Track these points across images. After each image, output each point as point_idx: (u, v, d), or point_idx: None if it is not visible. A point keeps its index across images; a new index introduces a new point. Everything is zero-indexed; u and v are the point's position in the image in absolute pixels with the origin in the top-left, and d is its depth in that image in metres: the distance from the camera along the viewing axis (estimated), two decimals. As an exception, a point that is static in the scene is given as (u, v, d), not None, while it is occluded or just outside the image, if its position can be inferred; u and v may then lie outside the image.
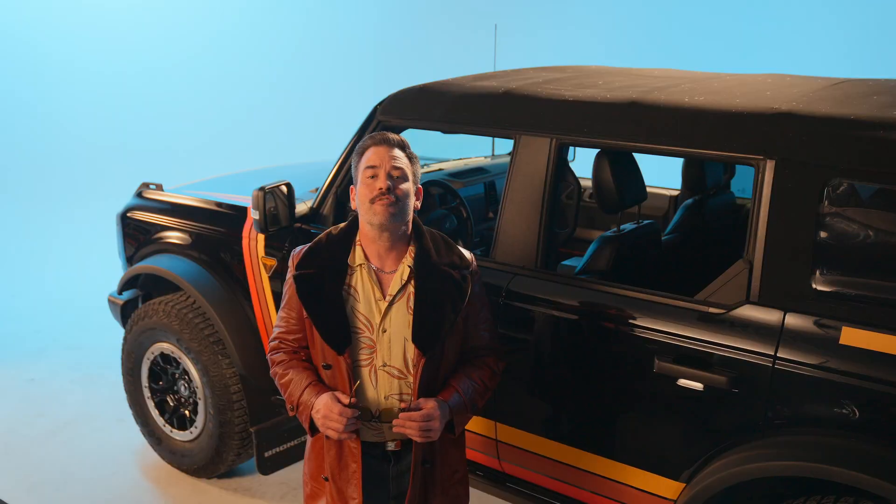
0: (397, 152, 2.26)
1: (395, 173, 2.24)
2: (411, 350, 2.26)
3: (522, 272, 2.83)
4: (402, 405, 2.24)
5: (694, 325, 2.48)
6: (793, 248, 2.34)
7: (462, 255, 2.37)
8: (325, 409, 2.20)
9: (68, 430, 4.47)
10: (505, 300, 2.82)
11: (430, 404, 2.22)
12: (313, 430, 2.32)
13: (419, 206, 2.35)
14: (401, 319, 2.27)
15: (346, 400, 2.20)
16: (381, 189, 2.21)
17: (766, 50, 9.22)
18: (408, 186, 2.26)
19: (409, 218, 2.30)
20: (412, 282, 2.27)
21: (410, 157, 2.30)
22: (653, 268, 3.19)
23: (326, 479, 2.35)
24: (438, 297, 2.27)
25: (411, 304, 2.27)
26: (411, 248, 2.31)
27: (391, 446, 2.35)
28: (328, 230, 2.38)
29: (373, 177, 2.23)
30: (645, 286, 2.67)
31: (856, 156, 2.27)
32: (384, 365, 2.28)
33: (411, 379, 2.28)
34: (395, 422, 2.22)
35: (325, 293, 2.26)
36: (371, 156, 2.25)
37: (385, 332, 2.27)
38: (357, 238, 2.33)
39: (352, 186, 2.33)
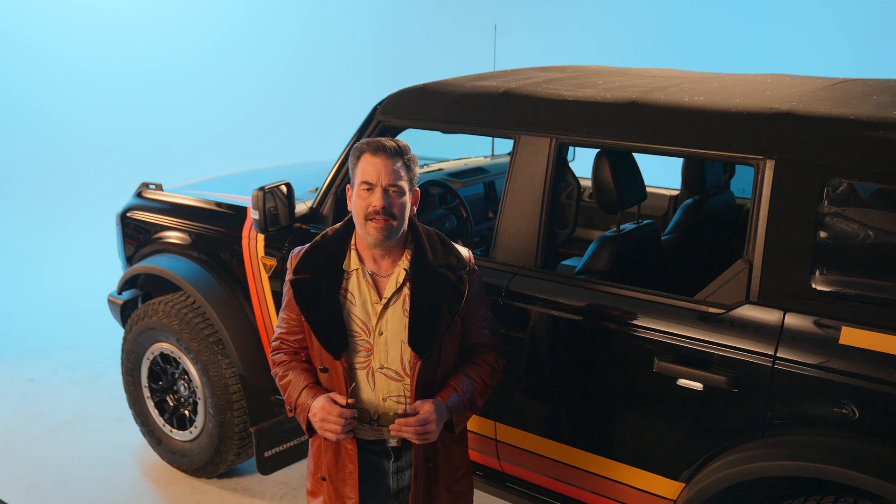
0: (395, 164, 2.20)
1: (392, 189, 2.20)
2: (408, 352, 2.26)
3: (522, 272, 2.83)
4: (400, 410, 2.24)
5: (694, 325, 2.48)
6: (793, 248, 2.34)
7: (459, 256, 2.35)
8: (323, 413, 2.20)
9: (68, 429, 4.47)
10: (505, 300, 2.82)
11: (426, 407, 2.21)
12: (310, 431, 2.33)
13: (416, 209, 2.33)
14: (397, 322, 2.26)
15: (342, 401, 2.20)
16: (375, 208, 2.18)
17: (766, 50, 9.23)
18: (404, 200, 2.22)
19: (405, 224, 2.27)
20: (408, 284, 2.27)
21: (408, 164, 2.24)
22: (652, 268, 3.19)
23: (324, 479, 2.36)
24: (435, 300, 2.26)
25: (407, 306, 2.26)
26: (408, 251, 2.30)
27: (392, 443, 2.35)
28: (325, 231, 2.37)
29: (368, 190, 2.20)
30: (645, 286, 2.67)
31: (856, 156, 2.27)
32: (381, 367, 2.27)
33: (408, 381, 2.27)
34: (391, 427, 2.22)
35: (322, 298, 2.26)
36: (367, 168, 2.20)
37: (381, 334, 2.27)
38: (353, 241, 2.32)
39: (348, 186, 2.32)
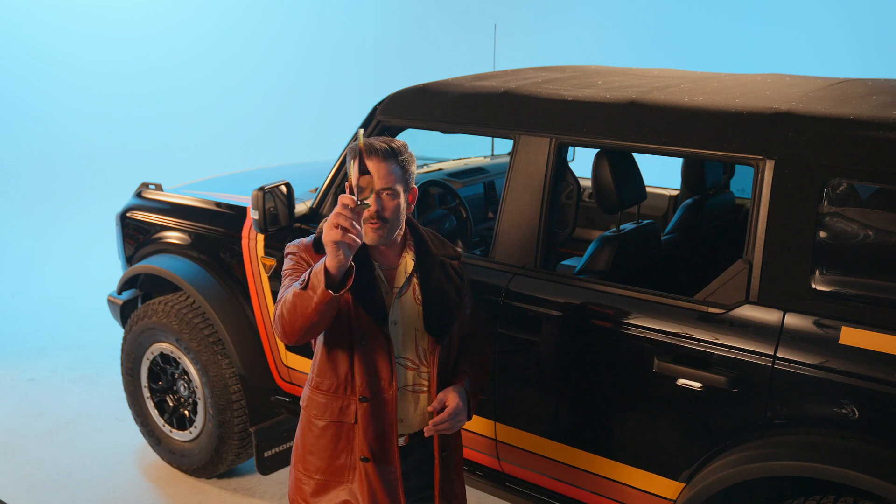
0: (389, 167, 2.18)
1: (385, 193, 2.19)
2: (423, 340, 2.29)
3: (522, 272, 2.83)
4: (430, 409, 2.29)
5: (693, 325, 2.48)
6: (792, 248, 2.34)
7: (453, 247, 2.43)
8: (330, 217, 1.99)
9: (68, 429, 4.47)
10: (504, 300, 2.82)
11: (451, 397, 2.26)
12: (332, 284, 2.01)
13: (413, 208, 2.34)
14: (410, 311, 2.29)
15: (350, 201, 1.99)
16: (369, 213, 2.18)
17: (765, 50, 9.22)
18: (398, 202, 2.21)
19: (401, 223, 2.27)
20: (416, 274, 2.30)
21: (403, 164, 2.22)
22: (652, 268, 3.19)
23: (366, 460, 2.27)
24: (443, 286, 2.30)
25: (418, 295, 2.29)
26: (410, 242, 2.33)
27: (400, 441, 2.35)
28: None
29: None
30: (644, 286, 2.67)
31: (855, 156, 2.27)
32: (398, 357, 2.29)
33: (425, 369, 2.31)
34: (426, 430, 2.27)
35: (356, 265, 2.10)
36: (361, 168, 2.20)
37: (396, 324, 2.28)
38: None
39: (347, 184, 2.31)
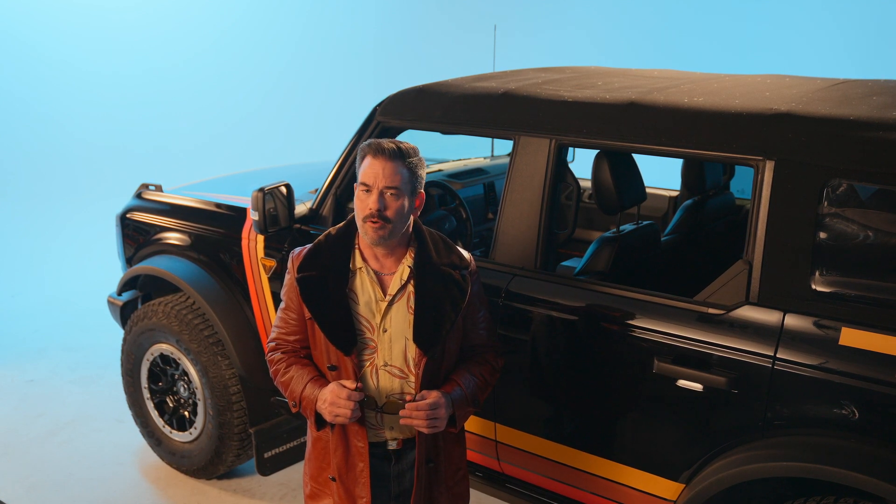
0: (395, 167, 2.20)
1: (388, 192, 2.20)
2: (412, 349, 2.27)
3: (522, 273, 2.83)
4: (408, 397, 2.25)
5: (693, 326, 2.48)
6: (792, 249, 2.34)
7: (461, 256, 2.38)
8: (332, 397, 2.20)
9: (68, 430, 4.47)
10: (504, 301, 2.82)
11: (433, 394, 2.23)
12: (319, 423, 2.31)
13: (420, 211, 2.34)
14: (401, 319, 2.28)
15: (351, 385, 2.20)
16: (371, 210, 2.19)
17: (765, 50, 9.23)
18: (401, 203, 2.22)
19: (406, 226, 2.28)
20: (412, 282, 2.28)
21: (410, 166, 2.24)
22: (652, 268, 3.19)
23: (334, 480, 2.35)
24: (438, 297, 2.27)
25: (411, 303, 2.27)
26: (411, 249, 2.31)
27: (392, 445, 2.36)
28: (327, 231, 2.37)
29: (366, 192, 2.22)
30: (644, 287, 2.67)
31: (855, 156, 2.27)
32: (385, 364, 2.29)
33: (412, 378, 2.29)
34: (401, 412, 2.23)
35: (330, 294, 2.26)
36: (367, 169, 2.21)
37: (386, 331, 2.28)
38: (356, 241, 2.33)
39: (355, 184, 2.32)
